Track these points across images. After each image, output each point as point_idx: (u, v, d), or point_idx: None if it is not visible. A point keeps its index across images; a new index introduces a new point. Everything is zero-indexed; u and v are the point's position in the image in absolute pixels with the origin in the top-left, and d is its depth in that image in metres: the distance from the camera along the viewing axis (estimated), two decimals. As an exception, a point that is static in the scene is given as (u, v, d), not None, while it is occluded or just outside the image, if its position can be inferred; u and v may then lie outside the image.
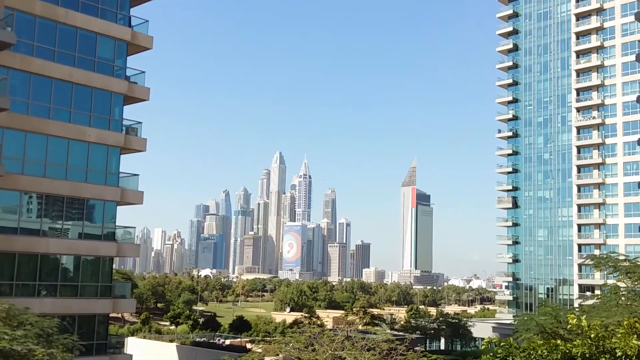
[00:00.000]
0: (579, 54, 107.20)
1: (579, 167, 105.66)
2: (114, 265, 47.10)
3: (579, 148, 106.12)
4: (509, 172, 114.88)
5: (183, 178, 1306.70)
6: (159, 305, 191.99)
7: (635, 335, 14.36)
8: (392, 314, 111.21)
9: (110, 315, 44.57)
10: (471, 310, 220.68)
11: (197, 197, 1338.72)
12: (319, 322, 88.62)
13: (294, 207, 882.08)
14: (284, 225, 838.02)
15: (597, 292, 74.95)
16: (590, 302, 41.29)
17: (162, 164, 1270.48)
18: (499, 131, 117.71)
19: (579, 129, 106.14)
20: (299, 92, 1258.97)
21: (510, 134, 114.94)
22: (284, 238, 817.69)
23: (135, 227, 46.31)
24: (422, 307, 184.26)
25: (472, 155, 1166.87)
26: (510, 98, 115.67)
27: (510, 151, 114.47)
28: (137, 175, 44.97)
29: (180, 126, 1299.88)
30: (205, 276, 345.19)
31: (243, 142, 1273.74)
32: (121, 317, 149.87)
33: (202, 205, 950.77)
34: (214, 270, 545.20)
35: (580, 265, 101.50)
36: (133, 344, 62.06)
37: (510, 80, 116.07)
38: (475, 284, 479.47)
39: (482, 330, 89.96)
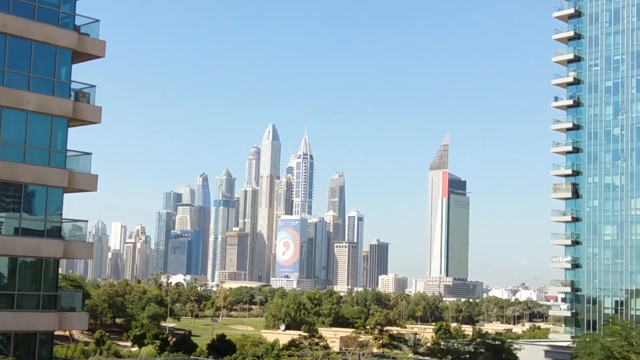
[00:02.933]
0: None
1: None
2: (60, 269, 47.14)
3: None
4: (568, 152, 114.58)
5: (149, 159, 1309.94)
6: (117, 320, 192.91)
7: None
8: (416, 334, 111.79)
9: (56, 333, 44.70)
10: (518, 329, 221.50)
11: (166, 183, 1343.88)
12: (322, 343, 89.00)
13: (290, 196, 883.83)
14: (278, 219, 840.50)
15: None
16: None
17: (121, 141, 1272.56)
18: (556, 99, 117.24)
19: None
20: (297, 48, 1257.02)
21: (571, 102, 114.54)
22: (277, 236, 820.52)
23: (87, 221, 46.42)
24: (454, 324, 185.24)
25: (520, 131, 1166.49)
26: (571, 56, 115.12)
27: (570, 125, 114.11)
28: (90, 154, 44.89)
29: (145, 93, 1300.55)
30: (177, 284, 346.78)
31: (225, 112, 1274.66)
32: (69, 336, 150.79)
33: (173, 193, 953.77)
34: (188, 277, 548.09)
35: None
36: (85, 370, 62.44)
37: (572, 33, 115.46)
38: (523, 295, 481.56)
39: (531, 354, 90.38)
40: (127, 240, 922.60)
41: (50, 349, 43.30)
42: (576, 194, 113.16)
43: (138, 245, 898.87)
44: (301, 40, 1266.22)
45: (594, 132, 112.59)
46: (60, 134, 43.14)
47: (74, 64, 44.31)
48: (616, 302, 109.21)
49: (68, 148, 43.55)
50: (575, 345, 46.74)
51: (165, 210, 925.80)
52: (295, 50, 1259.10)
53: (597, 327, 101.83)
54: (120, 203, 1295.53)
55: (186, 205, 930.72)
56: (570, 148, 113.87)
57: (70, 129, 43.84)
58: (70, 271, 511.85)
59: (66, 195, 43.69)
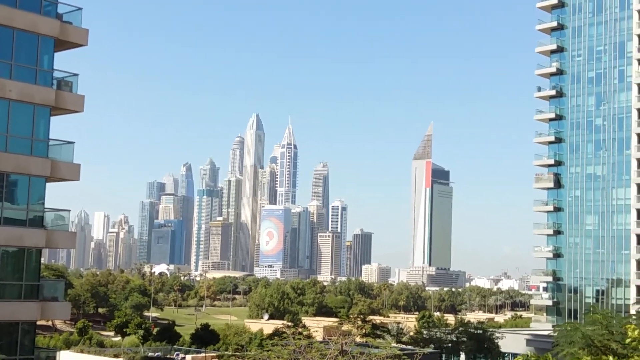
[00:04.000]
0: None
1: (639, 136, 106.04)
2: (42, 259, 46.99)
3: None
4: (550, 142, 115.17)
5: (132, 148, 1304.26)
6: (100, 310, 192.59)
7: None
8: (398, 323, 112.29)
9: (38, 322, 44.58)
10: (499, 318, 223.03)
11: (149, 172, 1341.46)
12: (305, 333, 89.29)
13: (274, 185, 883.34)
14: (262, 209, 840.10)
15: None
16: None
17: (104, 130, 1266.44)
18: (539, 89, 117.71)
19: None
20: (281, 38, 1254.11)
21: (553, 92, 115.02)
22: (261, 226, 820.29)
23: (70, 211, 46.23)
24: (437, 314, 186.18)
25: (503, 121, 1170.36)
26: (554, 46, 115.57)
27: (552, 115, 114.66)
28: (73, 143, 44.72)
29: (128, 83, 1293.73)
30: (160, 274, 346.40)
31: (209, 102, 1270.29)
32: (52, 326, 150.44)
33: (157, 182, 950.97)
34: (172, 266, 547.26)
35: (639, 262, 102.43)
36: (68, 359, 62.36)
37: (555, 23, 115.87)
38: (505, 284, 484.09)
39: (513, 343, 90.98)
40: (110, 230, 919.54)
41: (32, 339, 43.19)
42: (558, 184, 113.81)
43: (121, 235, 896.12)
44: (285, 30, 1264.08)
45: (576, 122, 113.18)
46: (42, 123, 42.93)
47: (56, 53, 44.06)
48: (597, 291, 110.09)
49: (50, 137, 43.36)
50: (556, 334, 47.14)
51: (148, 200, 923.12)
52: (280, 41, 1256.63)
53: (578, 316, 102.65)
54: (103, 193, 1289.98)
55: (169, 194, 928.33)
56: (552, 138, 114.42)
57: (52, 118, 43.63)
58: (53, 261, 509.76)
59: (49, 185, 43.50)
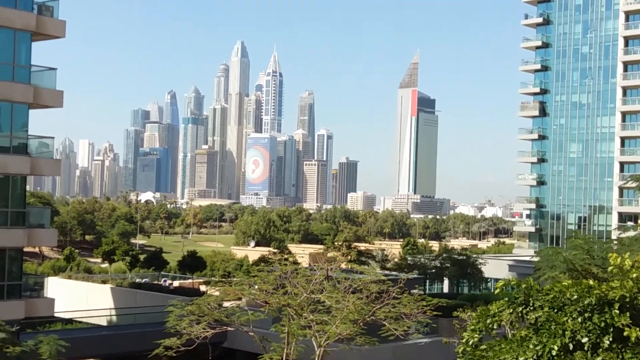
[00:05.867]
0: None
1: (625, 64, 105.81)
2: (27, 187, 46.93)
3: (627, 39, 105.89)
4: (536, 70, 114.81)
5: (115, 76, 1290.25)
6: (87, 237, 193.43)
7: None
8: (383, 250, 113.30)
9: (25, 249, 44.78)
10: (483, 244, 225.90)
11: (134, 100, 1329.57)
12: (291, 259, 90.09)
13: (260, 114, 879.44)
14: (248, 137, 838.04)
15: (641, 222, 76.70)
16: (631, 233, 42.34)
17: (86, 57, 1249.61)
18: (526, 16, 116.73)
19: (628, 14, 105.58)
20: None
21: (540, 20, 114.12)
22: (247, 154, 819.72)
23: (54, 138, 45.99)
24: (421, 240, 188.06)
25: (490, 49, 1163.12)
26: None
27: (539, 43, 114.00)
28: (55, 69, 44.24)
29: (111, 9, 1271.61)
30: (146, 201, 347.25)
31: (194, 29, 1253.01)
32: (39, 252, 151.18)
33: (141, 110, 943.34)
34: (158, 194, 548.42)
35: (621, 189, 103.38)
36: (55, 286, 62.78)
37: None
38: (489, 212, 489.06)
39: (495, 269, 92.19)
40: (95, 158, 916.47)
41: (19, 265, 43.49)
42: (543, 112, 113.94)
43: (106, 163, 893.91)
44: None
45: (562, 50, 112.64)
46: (23, 49, 42.30)
47: (36, -23, 43.11)
48: (579, 218, 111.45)
49: (33, 63, 42.84)
50: (538, 259, 47.86)
51: (133, 128, 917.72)
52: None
53: (560, 242, 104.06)
54: (87, 121, 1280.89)
55: (154, 122, 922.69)
56: (538, 66, 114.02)
57: (34, 44, 42.97)
58: (38, 188, 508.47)
59: (32, 112, 43.14)
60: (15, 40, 41.74)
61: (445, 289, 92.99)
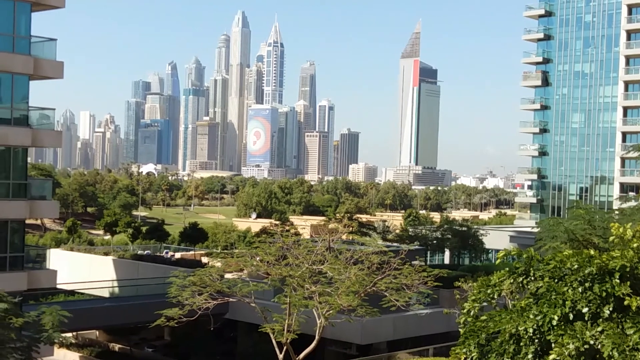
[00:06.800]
0: None
1: (629, 33, 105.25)
2: (28, 158, 46.93)
3: (630, 7, 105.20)
4: (539, 40, 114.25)
5: (115, 46, 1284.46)
6: (89, 209, 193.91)
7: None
8: (384, 221, 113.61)
9: (28, 221, 44.88)
10: (484, 215, 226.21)
11: (134, 71, 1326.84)
12: (293, 231, 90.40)
13: (261, 85, 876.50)
14: (249, 108, 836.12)
15: (643, 192, 76.84)
16: (633, 203, 42.35)
17: (86, 28, 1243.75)
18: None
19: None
20: None
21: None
22: (248, 125, 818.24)
23: (54, 109, 45.84)
24: (422, 212, 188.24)
25: (492, 18, 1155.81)
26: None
27: (542, 11, 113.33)
28: (55, 40, 43.96)
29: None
30: (147, 173, 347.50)
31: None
32: (41, 224, 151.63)
33: (142, 82, 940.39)
34: (159, 166, 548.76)
35: (623, 159, 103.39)
36: (58, 257, 63.05)
37: None
38: (490, 183, 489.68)
39: (497, 240, 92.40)
40: (97, 130, 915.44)
41: (22, 237, 43.60)
42: (546, 82, 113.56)
43: (107, 135, 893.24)
44: None
45: (565, 18, 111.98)
46: (23, 19, 42.05)
47: (34, -54, 42.73)
48: (581, 188, 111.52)
49: (32, 34, 42.64)
50: (539, 229, 47.97)
51: (134, 99, 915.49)
52: None
53: (561, 213, 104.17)
54: (88, 92, 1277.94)
55: (155, 94, 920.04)
56: (541, 35, 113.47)
57: (34, 15, 42.73)
58: (40, 160, 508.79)
59: (32, 83, 43.02)
60: (15, 10, 41.48)
61: (446, 260, 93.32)
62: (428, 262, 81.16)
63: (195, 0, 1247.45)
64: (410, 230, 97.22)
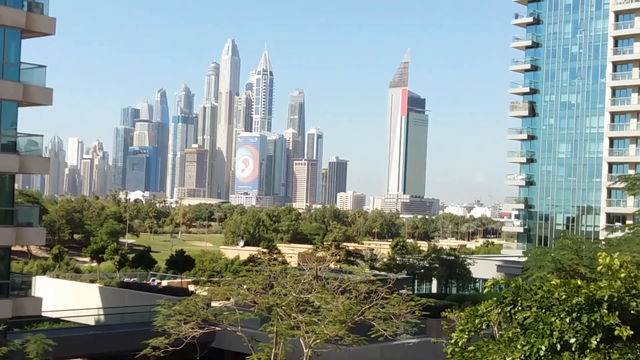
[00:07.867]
0: None
1: (615, 65, 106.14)
2: (16, 185, 46.67)
3: (616, 39, 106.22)
4: (526, 70, 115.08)
5: (105, 74, 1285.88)
6: (75, 236, 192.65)
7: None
8: (372, 249, 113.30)
9: (13, 248, 44.53)
10: (472, 245, 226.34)
11: (123, 98, 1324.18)
12: (280, 259, 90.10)
13: (250, 113, 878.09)
14: (237, 136, 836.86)
15: (629, 222, 77.01)
16: (619, 234, 42.45)
17: (76, 55, 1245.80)
18: (516, 16, 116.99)
19: (617, 14, 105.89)
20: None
21: (531, 19, 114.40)
22: (236, 153, 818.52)
23: (43, 136, 45.70)
24: (410, 240, 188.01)
25: (480, 49, 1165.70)
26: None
27: (529, 42, 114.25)
28: (44, 66, 43.98)
29: (101, 6, 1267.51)
30: (135, 200, 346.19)
31: (184, 26, 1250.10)
32: (27, 251, 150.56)
33: (131, 109, 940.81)
34: (147, 193, 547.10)
35: (609, 190, 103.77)
36: (43, 285, 62.56)
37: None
38: (477, 212, 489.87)
39: (484, 269, 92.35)
40: (85, 156, 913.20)
41: (7, 264, 43.21)
42: (533, 112, 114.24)
43: (95, 162, 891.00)
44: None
45: (552, 50, 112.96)
46: (13, 46, 42.07)
47: (25, -26, 42.87)
48: (568, 218, 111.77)
49: (22, 61, 42.64)
50: (526, 259, 47.95)
51: (123, 126, 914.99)
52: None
53: (548, 242, 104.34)
54: (77, 119, 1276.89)
55: (144, 121, 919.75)
56: (528, 66, 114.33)
57: (23, 41, 42.76)
58: (27, 187, 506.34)
59: (21, 110, 42.95)
60: (5, 37, 41.51)
61: (434, 289, 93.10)
62: (416, 291, 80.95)
63: (186, 28, 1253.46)
64: (398, 259, 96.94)
